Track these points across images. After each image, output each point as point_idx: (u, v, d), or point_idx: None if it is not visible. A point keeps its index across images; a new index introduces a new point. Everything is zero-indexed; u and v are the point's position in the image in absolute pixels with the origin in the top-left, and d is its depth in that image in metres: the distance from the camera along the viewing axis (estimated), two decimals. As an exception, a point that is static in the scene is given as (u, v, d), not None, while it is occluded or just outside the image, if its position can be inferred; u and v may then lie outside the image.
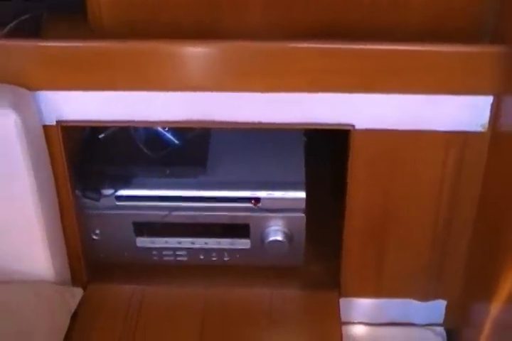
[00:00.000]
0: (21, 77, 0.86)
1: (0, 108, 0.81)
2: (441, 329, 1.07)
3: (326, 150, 1.17)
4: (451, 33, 0.88)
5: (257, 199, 1.01)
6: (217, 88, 0.88)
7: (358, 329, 1.07)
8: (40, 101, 0.88)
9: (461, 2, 0.86)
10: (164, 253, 1.06)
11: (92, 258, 1.05)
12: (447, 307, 1.06)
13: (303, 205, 1.01)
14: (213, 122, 0.91)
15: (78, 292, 0.98)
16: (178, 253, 1.06)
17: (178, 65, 0.86)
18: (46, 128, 0.89)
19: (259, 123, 0.91)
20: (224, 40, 0.86)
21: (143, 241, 1.05)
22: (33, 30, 0.90)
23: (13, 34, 0.88)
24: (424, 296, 1.05)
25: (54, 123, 0.90)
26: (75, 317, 0.97)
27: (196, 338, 0.97)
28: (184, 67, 0.86)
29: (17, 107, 0.82)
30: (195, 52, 0.86)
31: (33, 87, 0.87)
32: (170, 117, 0.91)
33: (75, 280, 1.02)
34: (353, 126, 0.90)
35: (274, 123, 0.91)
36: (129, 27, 0.88)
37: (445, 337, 1.07)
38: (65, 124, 0.90)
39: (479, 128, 0.90)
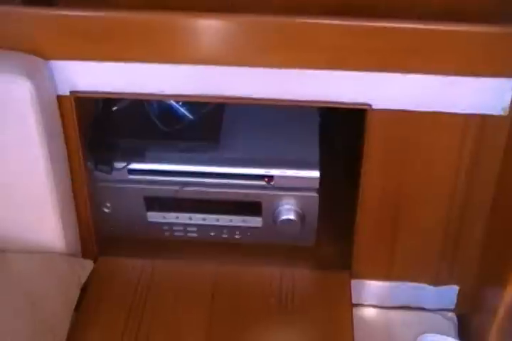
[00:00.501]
0: (36, 45, 0.85)
1: (15, 76, 0.80)
2: (452, 315, 1.06)
3: (339, 130, 1.16)
4: (473, 12, 0.85)
5: (271, 177, 0.99)
6: (234, 62, 0.86)
7: (368, 312, 1.06)
8: (55, 70, 0.87)
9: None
10: (175, 228, 1.06)
11: (102, 232, 1.05)
12: (459, 293, 1.04)
13: (317, 185, 1.00)
14: (228, 97, 0.89)
15: (88, 264, 0.98)
16: (188, 229, 1.06)
17: (194, 38, 0.85)
18: (60, 98, 0.89)
19: (275, 99, 0.89)
20: (242, 14, 0.84)
21: (154, 216, 1.05)
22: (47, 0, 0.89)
23: (28, 2, 0.87)
24: (437, 281, 1.04)
25: (68, 93, 0.89)
26: (84, 289, 0.97)
27: (206, 313, 0.96)
28: (200, 40, 0.85)
29: (32, 76, 0.82)
30: (212, 26, 0.84)
31: (48, 56, 0.86)
32: (184, 91, 0.89)
33: (85, 253, 1.01)
34: (370, 105, 0.88)
35: (290, 100, 0.89)
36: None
37: (456, 323, 1.05)
38: (78, 95, 0.89)
39: (500, 112, 0.87)
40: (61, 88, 0.88)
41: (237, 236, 1.06)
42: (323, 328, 0.97)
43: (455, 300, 1.06)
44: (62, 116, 0.90)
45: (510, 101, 0.86)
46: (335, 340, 0.95)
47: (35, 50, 0.85)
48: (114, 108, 1.01)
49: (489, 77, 0.85)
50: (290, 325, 0.98)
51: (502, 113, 0.87)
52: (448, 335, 1.03)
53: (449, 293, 1.05)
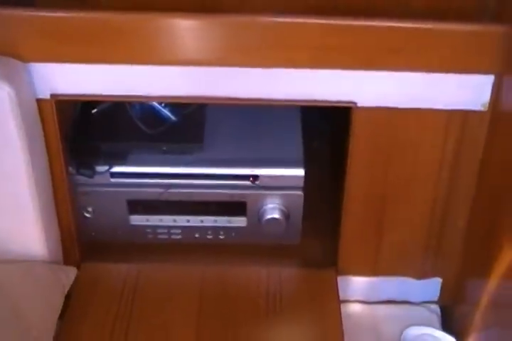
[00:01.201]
0: (14, 47, 0.82)
1: (-7, 79, 0.78)
2: (435, 307, 1.08)
3: (321, 127, 1.16)
4: (453, 12, 0.87)
5: (255, 177, 0.99)
6: (217, 63, 0.85)
7: (354, 308, 1.07)
8: (34, 73, 0.84)
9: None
10: (159, 231, 1.04)
11: (83, 237, 1.03)
12: (442, 285, 1.06)
13: (301, 183, 1.00)
14: (212, 98, 0.89)
15: (72, 271, 0.96)
16: (172, 231, 1.04)
17: (177, 38, 0.83)
18: (40, 102, 0.86)
19: (259, 99, 0.89)
20: (225, 14, 0.83)
21: (137, 219, 1.03)
22: (25, 1, 0.86)
23: (6, 2, 0.84)
24: (421, 274, 1.05)
25: (48, 96, 0.86)
26: (69, 296, 0.95)
27: (194, 315, 0.95)
28: (183, 41, 0.84)
29: (10, 79, 0.79)
30: (195, 26, 0.83)
31: (26, 59, 0.83)
32: (168, 92, 0.88)
33: (68, 260, 0.99)
34: (355, 103, 0.89)
35: (274, 100, 0.89)
36: (126, 1, 0.85)
37: (439, 315, 1.08)
38: (59, 98, 0.87)
39: (480, 108, 0.89)
40: (41, 91, 0.86)
41: (221, 237, 1.05)
42: (313, 325, 0.97)
43: (438, 293, 1.07)
44: (42, 120, 0.87)
45: (489, 96, 0.88)
46: (325, 337, 0.96)
47: (13, 52, 0.82)
48: (94, 110, 0.99)
49: (469, 73, 0.86)
50: (280, 325, 0.98)
51: (482, 108, 0.89)
52: (432, 327, 1.05)
53: (433, 286, 1.06)
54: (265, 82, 0.87)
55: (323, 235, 1.08)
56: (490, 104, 0.88)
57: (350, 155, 0.93)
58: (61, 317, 0.92)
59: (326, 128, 1.20)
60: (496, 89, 0.86)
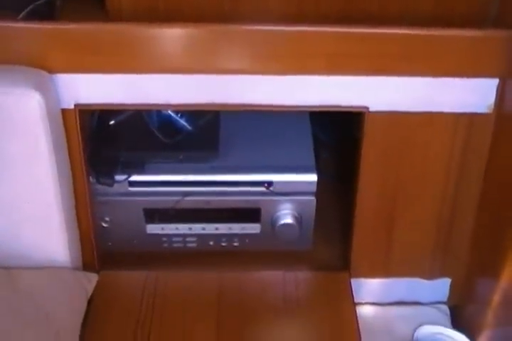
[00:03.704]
0: (40, 59, 0.85)
1: (25, 89, 0.80)
2: (445, 307, 1.10)
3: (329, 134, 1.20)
4: (457, 19, 0.92)
5: (270, 183, 1.02)
6: (234, 71, 0.89)
7: (366, 310, 1.09)
8: (59, 84, 0.87)
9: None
10: (174, 239, 1.06)
11: (101, 247, 1.04)
12: (452, 285, 1.09)
13: (314, 188, 1.03)
14: (230, 105, 0.92)
15: (93, 277, 0.97)
16: (188, 239, 1.06)
17: (196, 48, 0.87)
18: (64, 111, 0.89)
19: (273, 105, 0.92)
20: (241, 24, 0.87)
21: (153, 228, 1.05)
22: (48, 15, 0.89)
23: (29, 19, 0.87)
24: (430, 274, 1.08)
25: (72, 106, 0.89)
26: (89, 303, 0.96)
27: (213, 320, 0.97)
28: (202, 50, 0.87)
29: (39, 89, 0.82)
30: (212, 36, 0.87)
31: (52, 70, 0.86)
32: (186, 100, 0.91)
33: (87, 268, 1.00)
34: (367, 108, 0.93)
35: (287, 106, 0.93)
36: (148, 12, 0.89)
37: (449, 315, 1.10)
38: (82, 108, 0.89)
39: (485, 110, 0.93)
40: (65, 101, 0.89)
41: (235, 244, 1.07)
42: (330, 327, 0.99)
43: (447, 293, 1.10)
44: (66, 129, 0.90)
45: (494, 99, 0.92)
46: (342, 338, 0.98)
47: (39, 64, 0.85)
48: (112, 121, 1.01)
49: (475, 77, 0.91)
50: (298, 327, 1.00)
51: (487, 110, 0.93)
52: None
53: (442, 286, 1.09)
54: (279, 89, 0.91)
55: (333, 240, 1.11)
56: (495, 105, 0.93)
57: (362, 159, 0.97)
58: (84, 321, 0.93)
59: (333, 138, 1.24)
60: (501, 92, 0.91)
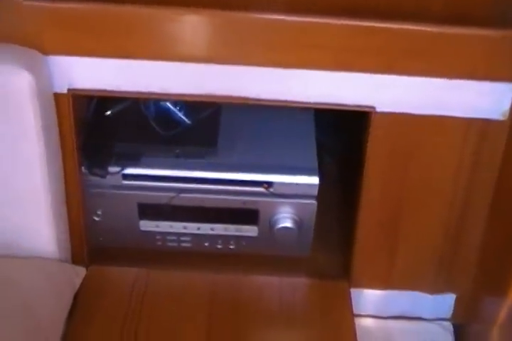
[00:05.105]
0: (34, 39, 0.82)
1: (14, 68, 0.77)
2: (449, 324, 1.05)
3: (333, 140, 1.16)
4: (471, 19, 0.87)
5: (270, 184, 0.97)
6: (239, 62, 0.85)
7: (365, 322, 1.04)
8: (52, 66, 0.84)
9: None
10: (168, 238, 1.02)
11: (91, 242, 1.00)
12: (456, 301, 1.03)
13: (315, 192, 0.98)
14: (231, 97, 0.88)
15: (81, 271, 0.94)
16: (182, 239, 1.02)
17: (198, 35, 0.83)
18: (57, 96, 0.85)
19: (277, 100, 0.88)
20: (248, 13, 0.83)
21: (146, 225, 1.01)
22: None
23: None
24: (434, 289, 1.03)
25: (65, 91, 0.86)
26: (76, 296, 0.92)
27: (204, 323, 0.92)
28: (205, 38, 0.84)
29: (31, 69, 0.79)
30: (217, 23, 0.83)
31: (46, 51, 0.83)
32: (184, 90, 0.87)
33: (75, 261, 0.96)
34: (374, 108, 0.88)
35: (293, 101, 0.88)
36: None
37: (452, 332, 1.04)
38: (76, 92, 0.86)
39: (500, 116, 0.88)
40: (58, 85, 0.85)
41: (231, 247, 1.03)
42: (327, 336, 0.94)
43: (452, 309, 1.05)
44: (58, 114, 0.86)
45: (509, 105, 0.87)
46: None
47: (33, 44, 0.82)
48: (109, 111, 0.98)
49: (490, 81, 0.86)
50: (293, 337, 0.95)
51: (501, 117, 0.88)
52: (446, 345, 1.02)
53: (446, 301, 1.04)
54: (285, 83, 0.87)
55: (333, 247, 1.06)
56: (510, 112, 0.88)
57: (367, 161, 0.92)
58: (70, 315, 0.89)
59: (337, 144, 1.20)
60: (517, 98, 0.86)
